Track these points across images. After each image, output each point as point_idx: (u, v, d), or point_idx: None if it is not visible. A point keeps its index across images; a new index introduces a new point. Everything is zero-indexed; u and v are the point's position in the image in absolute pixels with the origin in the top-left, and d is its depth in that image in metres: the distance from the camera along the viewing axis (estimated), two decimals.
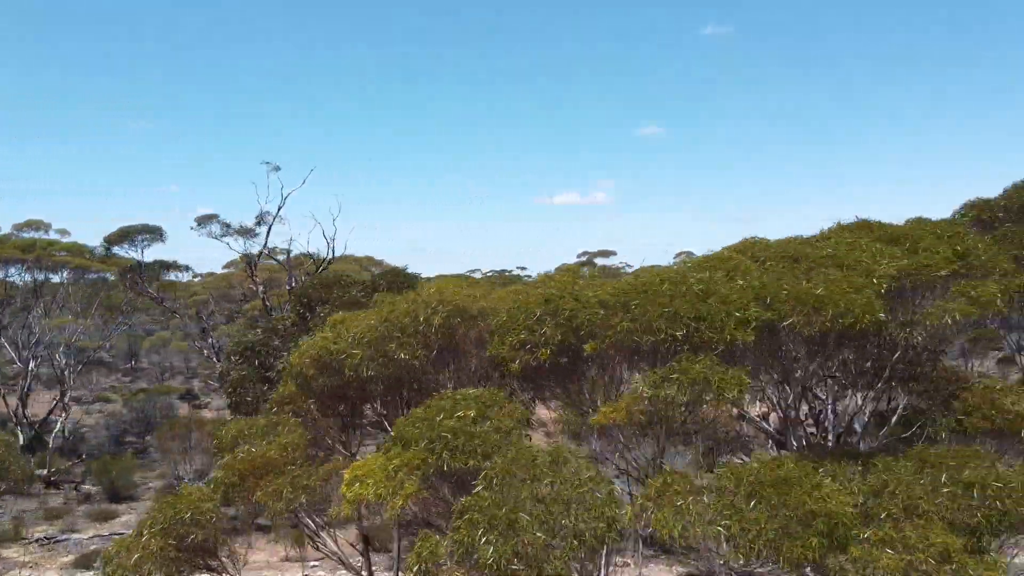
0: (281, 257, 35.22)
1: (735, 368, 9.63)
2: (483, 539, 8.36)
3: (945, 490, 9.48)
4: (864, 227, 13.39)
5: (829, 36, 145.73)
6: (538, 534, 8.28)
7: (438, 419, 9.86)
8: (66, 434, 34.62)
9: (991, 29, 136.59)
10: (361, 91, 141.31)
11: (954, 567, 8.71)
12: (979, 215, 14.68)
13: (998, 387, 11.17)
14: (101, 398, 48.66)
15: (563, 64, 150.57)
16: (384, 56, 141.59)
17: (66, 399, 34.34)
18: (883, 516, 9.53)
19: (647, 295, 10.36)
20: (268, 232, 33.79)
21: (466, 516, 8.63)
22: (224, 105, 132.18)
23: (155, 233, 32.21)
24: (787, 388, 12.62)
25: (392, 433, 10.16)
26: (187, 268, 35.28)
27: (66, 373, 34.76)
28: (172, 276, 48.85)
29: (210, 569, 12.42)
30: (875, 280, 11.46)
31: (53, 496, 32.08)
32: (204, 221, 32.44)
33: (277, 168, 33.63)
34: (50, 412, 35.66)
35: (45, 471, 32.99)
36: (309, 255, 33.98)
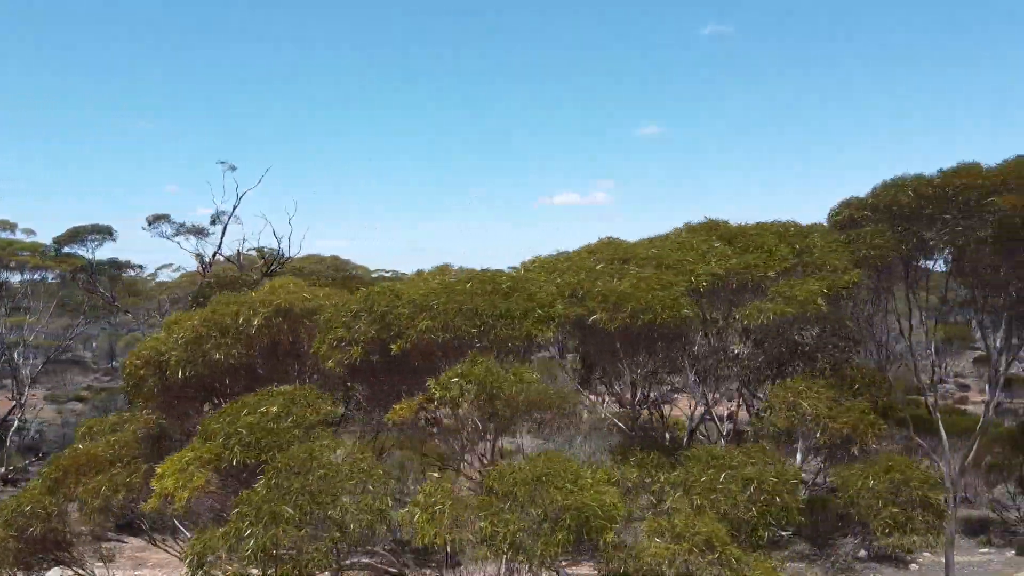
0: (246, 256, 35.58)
1: (517, 366, 9.86)
2: (248, 531, 8.65)
3: (720, 486, 9.70)
4: (709, 227, 13.60)
5: (829, 36, 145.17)
6: (299, 526, 8.56)
7: (242, 415, 10.15)
8: (23, 432, 35.13)
9: (990, 28, 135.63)
10: (361, 92, 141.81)
11: (717, 555, 8.93)
12: (852, 214, 14.74)
13: (800, 387, 11.32)
14: (76, 397, 49.18)
15: (563, 64, 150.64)
16: (384, 56, 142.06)
17: (24, 398, 34.84)
18: (666, 508, 9.82)
19: (451, 293, 10.61)
20: (223, 231, 34.18)
21: (237, 509, 8.93)
22: (223, 105, 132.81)
23: (104, 233, 32.60)
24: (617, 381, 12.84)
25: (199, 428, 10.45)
26: (140, 267, 35.67)
27: (24, 372, 35.25)
28: (163, 276, 49.40)
29: (60, 562, 12.75)
30: (693, 279, 11.71)
31: (9, 492, 32.66)
32: (155, 221, 32.76)
33: (233, 167, 33.97)
34: (10, 411, 36.18)
35: (2, 469, 33.50)
36: (261, 255, 34.29)
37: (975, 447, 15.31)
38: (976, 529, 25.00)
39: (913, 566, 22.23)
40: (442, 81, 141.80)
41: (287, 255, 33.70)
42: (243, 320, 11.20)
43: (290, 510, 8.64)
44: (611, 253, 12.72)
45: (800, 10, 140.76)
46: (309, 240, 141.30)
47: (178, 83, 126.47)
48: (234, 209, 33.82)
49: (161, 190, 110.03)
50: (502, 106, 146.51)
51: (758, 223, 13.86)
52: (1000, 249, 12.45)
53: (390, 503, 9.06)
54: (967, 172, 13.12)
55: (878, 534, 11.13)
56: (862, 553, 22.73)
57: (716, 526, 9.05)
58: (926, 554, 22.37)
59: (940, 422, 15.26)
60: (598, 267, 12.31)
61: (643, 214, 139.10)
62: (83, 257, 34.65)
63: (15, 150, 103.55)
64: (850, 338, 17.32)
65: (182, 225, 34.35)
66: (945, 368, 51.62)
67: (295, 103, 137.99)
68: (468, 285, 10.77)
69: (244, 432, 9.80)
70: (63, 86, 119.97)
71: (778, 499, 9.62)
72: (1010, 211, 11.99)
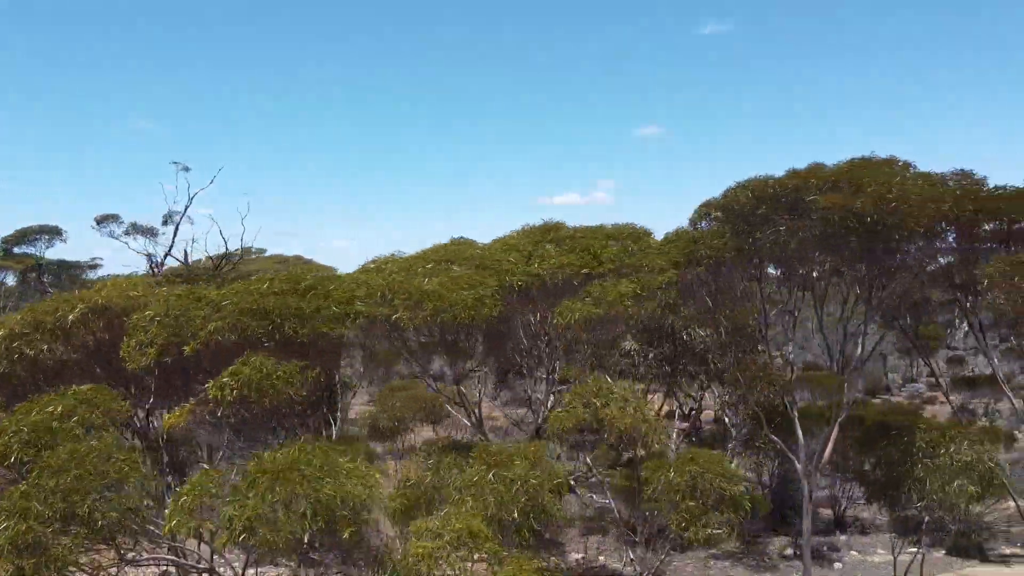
0: (197, 256, 35.91)
1: (289, 364, 9.97)
2: (3, 525, 8.83)
3: (491, 486, 9.77)
4: (546, 229, 13.71)
5: (829, 35, 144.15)
6: (46, 522, 8.73)
7: (32, 413, 10.32)
8: None
9: (991, 28, 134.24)
10: (362, 92, 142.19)
11: (467, 552, 9.00)
12: (709, 213, 14.80)
13: (599, 386, 11.39)
14: None
15: (563, 64, 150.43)
16: (384, 57, 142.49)
17: None
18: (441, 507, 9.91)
19: (244, 294, 10.74)
20: (175, 232, 34.56)
21: None
22: (224, 106, 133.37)
23: (53, 233, 32.99)
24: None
25: None
26: (94, 267, 36.12)
27: None
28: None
29: None
30: (508, 278, 11.83)
31: None
32: (104, 220, 33.13)
33: (187, 168, 34.40)
34: None
35: None
36: (209, 257, 34.63)
37: (829, 445, 15.29)
38: (910, 528, 24.86)
39: (837, 564, 22.13)
40: (442, 81, 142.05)
41: (228, 253, 34.03)
42: (59, 316, 11.35)
43: (39, 506, 8.80)
44: (444, 254, 12.88)
45: (800, 9, 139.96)
46: (289, 240, 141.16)
47: (179, 84, 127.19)
48: (186, 209, 34.24)
49: (161, 190, 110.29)
50: (502, 106, 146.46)
51: (598, 226, 13.98)
52: (822, 246, 12.47)
53: (146, 502, 9.20)
54: (805, 173, 13.10)
55: (674, 528, 11.19)
56: (788, 551, 22.67)
57: (473, 524, 9.12)
58: (854, 553, 22.29)
59: (797, 420, 15.28)
60: (427, 266, 12.46)
61: (644, 214, 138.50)
62: (38, 257, 35.16)
63: (12, 150, 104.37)
64: (751, 337, 17.40)
65: (134, 225, 34.70)
66: (917, 369, 51.38)
67: (294, 102, 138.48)
68: (264, 285, 10.89)
69: (26, 430, 9.96)
70: (62, 84, 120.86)
71: (540, 499, 9.65)
72: (829, 210, 11.98)
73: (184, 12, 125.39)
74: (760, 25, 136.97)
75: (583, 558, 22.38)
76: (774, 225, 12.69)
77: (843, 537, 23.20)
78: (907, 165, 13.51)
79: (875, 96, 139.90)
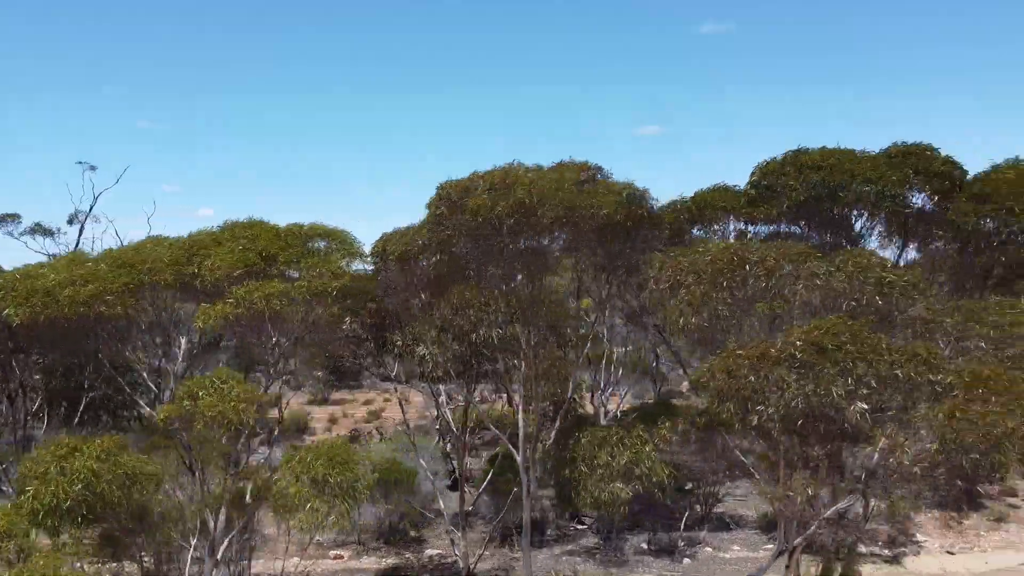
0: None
1: None
2: None
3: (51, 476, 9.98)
4: (248, 226, 13.85)
5: (829, 32, 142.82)
6: None
7: None
8: None
9: (994, 31, 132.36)
10: (360, 93, 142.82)
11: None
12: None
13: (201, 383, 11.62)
14: None
15: (563, 63, 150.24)
16: (384, 57, 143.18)
17: None
18: None
19: None
20: (80, 231, 35.11)
21: None
22: (224, 106, 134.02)
23: None
24: None
25: None
26: None
27: None
28: None
29: None
30: (149, 277, 12.08)
31: None
32: (3, 220, 33.61)
33: (93, 168, 35.04)
34: None
35: None
36: None
37: (550, 440, 15.58)
38: (774, 526, 24.84)
39: (687, 560, 22.12)
40: (442, 80, 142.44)
41: None
42: None
43: None
44: (111, 252, 13.15)
45: (799, 9, 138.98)
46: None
47: (179, 84, 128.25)
48: (91, 209, 34.78)
49: (159, 189, 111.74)
50: (501, 105, 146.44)
51: (310, 225, 14.17)
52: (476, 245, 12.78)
53: None
54: (481, 176, 13.28)
55: (278, 509, 11.54)
56: (643, 546, 22.71)
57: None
58: (708, 548, 22.26)
59: (520, 415, 15.52)
60: (85, 264, 12.72)
61: None
62: None
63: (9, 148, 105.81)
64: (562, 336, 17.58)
65: (38, 224, 35.22)
66: None
67: (290, 100, 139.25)
68: None
69: None
70: (61, 80, 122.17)
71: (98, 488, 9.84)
72: (476, 212, 12.16)
73: (183, 11, 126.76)
74: (759, 25, 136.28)
75: (438, 554, 22.51)
76: (443, 224, 12.91)
77: (703, 533, 23.13)
78: (599, 169, 13.76)
79: (874, 96, 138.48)
